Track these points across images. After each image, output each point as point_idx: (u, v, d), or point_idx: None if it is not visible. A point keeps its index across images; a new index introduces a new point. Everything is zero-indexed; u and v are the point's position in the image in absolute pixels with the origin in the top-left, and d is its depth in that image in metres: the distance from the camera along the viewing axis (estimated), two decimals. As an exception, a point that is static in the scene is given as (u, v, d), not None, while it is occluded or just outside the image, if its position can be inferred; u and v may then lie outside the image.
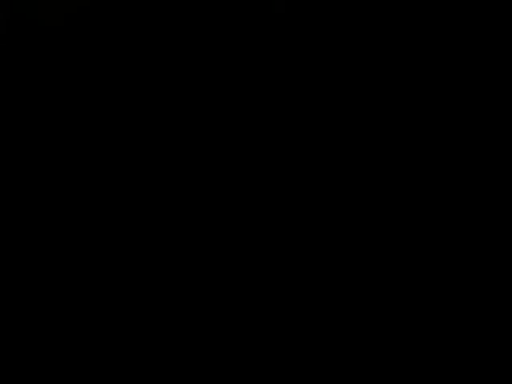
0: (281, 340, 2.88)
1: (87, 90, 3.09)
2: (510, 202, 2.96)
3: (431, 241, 2.95)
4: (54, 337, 2.88)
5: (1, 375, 2.82)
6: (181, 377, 2.85)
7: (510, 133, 3.01)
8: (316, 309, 2.91)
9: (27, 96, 3.08)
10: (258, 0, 3.08)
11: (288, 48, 3.07)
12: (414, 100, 3.04)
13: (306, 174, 3.02)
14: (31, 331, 2.89)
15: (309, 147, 3.04)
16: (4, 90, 3.08)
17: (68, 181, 3.03)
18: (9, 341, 2.87)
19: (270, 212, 3.00)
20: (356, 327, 2.88)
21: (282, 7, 3.07)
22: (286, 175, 3.02)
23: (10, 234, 2.98)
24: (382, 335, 2.87)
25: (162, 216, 3.00)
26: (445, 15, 3.07)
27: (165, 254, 2.97)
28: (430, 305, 2.89)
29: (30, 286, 2.94)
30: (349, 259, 2.95)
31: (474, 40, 3.06)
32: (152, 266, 2.96)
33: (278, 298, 2.92)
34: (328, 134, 3.04)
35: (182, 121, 3.07)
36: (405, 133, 3.03)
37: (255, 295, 2.93)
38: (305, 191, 3.01)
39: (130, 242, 2.98)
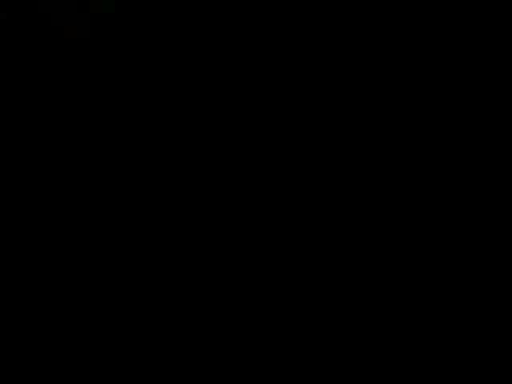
0: (281, 340, 2.88)
1: (87, 89, 3.09)
2: (509, 200, 2.96)
3: (431, 240, 2.95)
4: (54, 337, 2.89)
5: (1, 375, 2.83)
6: (181, 377, 2.85)
7: (509, 133, 3.01)
8: (316, 309, 2.91)
9: (27, 95, 3.08)
10: (257, 0, 3.08)
11: (288, 48, 3.07)
12: (413, 100, 3.05)
13: (306, 172, 3.02)
14: (31, 331, 2.89)
15: (308, 146, 3.04)
16: (4, 90, 3.08)
17: (68, 180, 3.03)
18: (9, 341, 2.87)
19: (270, 211, 3.00)
20: (356, 327, 2.88)
21: (282, 7, 3.07)
22: (286, 174, 3.02)
23: (10, 234, 2.98)
24: (382, 335, 2.87)
25: (162, 216, 3.00)
26: (445, 15, 3.08)
27: (165, 254, 2.97)
28: (429, 304, 2.89)
29: (30, 286, 2.94)
30: (348, 259, 2.95)
31: (474, 40, 3.06)
32: (152, 265, 2.96)
33: (278, 298, 2.92)
34: (327, 133, 3.04)
35: (183, 120, 3.07)
36: (404, 132, 3.03)
37: (255, 295, 2.93)
38: (305, 190, 3.01)
39: (129, 242, 2.98)
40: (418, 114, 3.04)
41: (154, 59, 3.10)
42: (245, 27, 3.08)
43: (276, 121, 3.05)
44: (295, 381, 2.84)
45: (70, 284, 2.94)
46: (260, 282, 2.94)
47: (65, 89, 3.09)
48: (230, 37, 3.08)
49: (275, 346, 2.88)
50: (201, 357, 2.87)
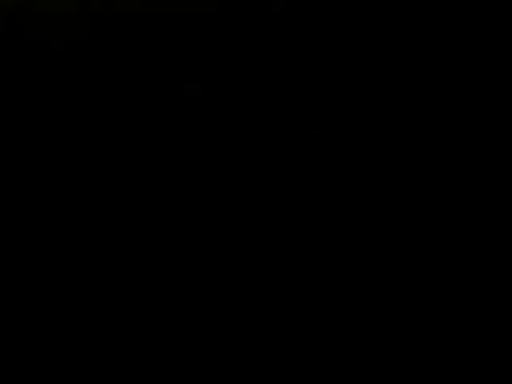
0: (281, 340, 2.88)
1: (87, 89, 3.09)
2: (510, 201, 2.96)
3: (430, 241, 2.95)
4: (54, 337, 2.88)
5: (1, 375, 2.82)
6: (181, 377, 2.85)
7: (509, 133, 3.01)
8: (316, 308, 2.91)
9: (26, 95, 3.08)
10: (258, 0, 3.08)
11: (288, 48, 3.07)
12: (413, 99, 3.05)
13: (305, 172, 3.02)
14: (31, 331, 2.89)
15: (308, 145, 3.04)
16: (4, 89, 3.08)
17: (66, 180, 3.03)
18: (9, 341, 2.87)
19: (270, 211, 3.00)
20: (355, 327, 2.88)
21: (282, 7, 3.07)
22: (285, 174, 3.02)
23: (10, 235, 2.98)
24: (382, 335, 2.87)
25: (162, 216, 3.00)
26: (445, 15, 3.08)
27: (165, 255, 2.97)
28: (429, 305, 2.89)
29: (30, 286, 2.94)
30: (348, 259, 2.95)
31: (473, 40, 3.06)
32: (152, 266, 2.96)
33: (278, 297, 2.93)
34: (327, 133, 3.04)
35: (183, 120, 3.07)
36: (404, 132, 3.03)
37: (255, 295, 2.93)
38: (304, 190, 3.01)
39: (129, 242, 2.98)
40: (418, 113, 3.04)
41: (153, 59, 3.10)
42: (245, 27, 3.08)
43: (276, 120, 3.05)
44: (295, 381, 2.84)
45: (70, 284, 2.94)
46: (260, 282, 2.94)
47: (64, 88, 3.09)
48: (230, 37, 3.08)
49: (275, 345, 2.88)
50: (200, 357, 2.87)
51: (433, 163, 3.01)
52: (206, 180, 3.02)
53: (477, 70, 3.05)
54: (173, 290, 2.94)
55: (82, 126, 3.07)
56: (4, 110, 3.08)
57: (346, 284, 2.92)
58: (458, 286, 2.90)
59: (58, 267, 2.96)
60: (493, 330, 2.86)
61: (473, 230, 2.95)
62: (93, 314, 2.92)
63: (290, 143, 3.04)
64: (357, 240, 2.96)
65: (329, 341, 2.88)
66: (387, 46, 3.06)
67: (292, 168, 3.02)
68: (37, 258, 2.97)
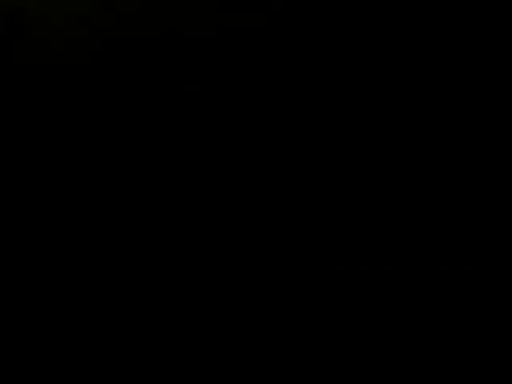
0: (281, 340, 2.88)
1: (86, 89, 3.09)
2: (510, 200, 2.96)
3: (430, 241, 2.95)
4: (54, 337, 2.89)
5: (1, 375, 2.83)
6: (181, 377, 2.85)
7: (509, 133, 3.01)
8: (316, 308, 2.91)
9: (26, 95, 3.09)
10: (258, 0, 3.08)
11: (288, 48, 3.07)
12: (413, 100, 3.05)
13: (305, 172, 3.02)
14: (31, 331, 2.89)
15: (308, 146, 3.04)
16: (3, 90, 3.08)
17: (64, 183, 3.03)
18: (9, 341, 2.87)
19: (270, 211, 3.00)
20: (355, 327, 2.89)
21: (282, 7, 3.07)
22: (285, 174, 3.02)
23: (10, 235, 2.99)
24: (382, 335, 2.87)
25: (162, 216, 3.00)
26: (445, 15, 3.08)
27: (165, 254, 2.97)
28: (429, 305, 2.90)
29: (30, 286, 2.94)
30: (348, 259, 2.95)
31: (473, 40, 3.06)
32: (152, 265, 2.96)
33: (278, 297, 2.93)
34: (327, 133, 3.04)
35: (182, 120, 3.07)
36: (404, 132, 3.03)
37: (255, 295, 2.93)
38: (304, 190, 3.01)
39: (129, 242, 2.98)
40: (418, 113, 3.04)
41: (152, 58, 3.10)
42: (244, 27, 3.08)
43: (276, 120, 3.05)
44: (295, 381, 2.84)
45: (70, 284, 2.94)
46: (260, 282, 2.94)
47: (64, 88, 3.09)
48: (230, 36, 3.08)
49: (275, 345, 2.88)
50: (200, 357, 2.87)
51: (433, 163, 3.01)
52: (205, 180, 3.03)
53: (477, 70, 3.05)
54: (173, 289, 2.94)
55: (82, 125, 3.07)
56: (3, 111, 3.08)
57: (346, 284, 2.92)
58: (458, 286, 2.90)
59: (57, 267, 2.96)
60: (493, 329, 2.86)
61: (473, 230, 2.95)
62: (92, 313, 2.92)
63: (290, 143, 3.04)
64: (357, 240, 2.96)
65: (329, 341, 2.88)
66: (388, 46, 3.06)
67: (292, 168, 3.02)
68: (37, 257, 2.97)
